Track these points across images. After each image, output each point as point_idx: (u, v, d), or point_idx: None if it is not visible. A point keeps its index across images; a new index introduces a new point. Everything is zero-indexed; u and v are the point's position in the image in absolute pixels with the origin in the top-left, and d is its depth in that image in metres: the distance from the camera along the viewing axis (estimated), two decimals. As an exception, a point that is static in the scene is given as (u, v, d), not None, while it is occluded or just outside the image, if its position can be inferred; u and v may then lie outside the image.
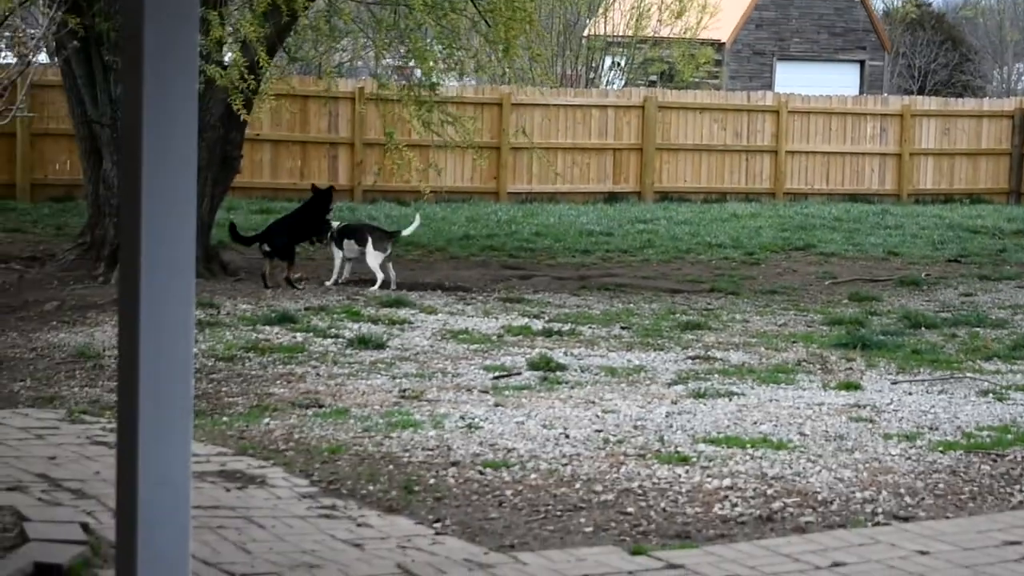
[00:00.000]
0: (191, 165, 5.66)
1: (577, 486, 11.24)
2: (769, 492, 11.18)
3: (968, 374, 16.35)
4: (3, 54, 27.88)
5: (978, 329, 19.45)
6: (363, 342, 17.16)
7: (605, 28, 49.88)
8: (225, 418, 13.40)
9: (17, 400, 13.90)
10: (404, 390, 14.46)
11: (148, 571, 5.23)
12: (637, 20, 48.60)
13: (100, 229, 21.93)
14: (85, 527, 9.45)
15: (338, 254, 21.70)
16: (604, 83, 49.40)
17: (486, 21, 22.77)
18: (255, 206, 30.69)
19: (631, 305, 21.21)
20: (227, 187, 23.44)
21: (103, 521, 9.44)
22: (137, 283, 5.42)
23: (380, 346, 17.04)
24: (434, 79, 23.15)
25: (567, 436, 12.75)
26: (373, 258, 21.34)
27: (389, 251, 21.66)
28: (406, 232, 23.08)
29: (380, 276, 21.22)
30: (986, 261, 28.22)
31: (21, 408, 13.50)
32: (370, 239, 21.40)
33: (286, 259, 21.44)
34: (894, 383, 15.86)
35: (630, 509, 10.66)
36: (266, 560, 9.31)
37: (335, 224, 22.35)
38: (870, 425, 13.55)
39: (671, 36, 49.46)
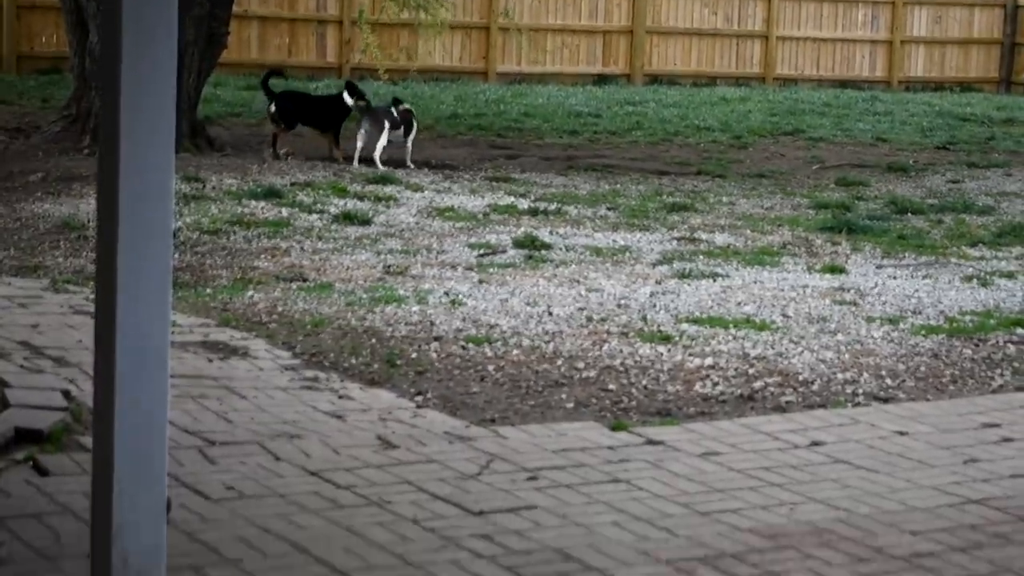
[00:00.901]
0: (171, 36, 5.73)
1: (559, 363, 11.42)
2: (750, 372, 11.37)
3: (953, 260, 16.75)
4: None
5: (964, 215, 19.95)
6: (348, 218, 17.58)
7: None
8: (208, 290, 13.55)
9: (0, 269, 14.17)
10: (388, 266, 14.77)
11: (127, 436, 5.55)
12: None
13: (86, 102, 22.25)
14: (66, 394, 9.59)
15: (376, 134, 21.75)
16: (595, -36, 49.10)
17: None
18: (242, 83, 31.10)
19: (617, 186, 21.54)
20: (214, 63, 23.76)
21: (84, 388, 9.55)
22: (116, 149, 5.52)
23: (365, 222, 17.42)
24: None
25: (550, 314, 12.95)
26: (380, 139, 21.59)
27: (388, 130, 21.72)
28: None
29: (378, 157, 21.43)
30: (974, 149, 28.70)
31: (4, 277, 13.73)
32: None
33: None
34: (879, 267, 16.08)
35: (611, 386, 10.82)
36: (247, 429, 9.44)
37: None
38: (853, 308, 13.80)
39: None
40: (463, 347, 11.79)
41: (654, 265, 15.40)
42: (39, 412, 9.30)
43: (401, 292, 13.50)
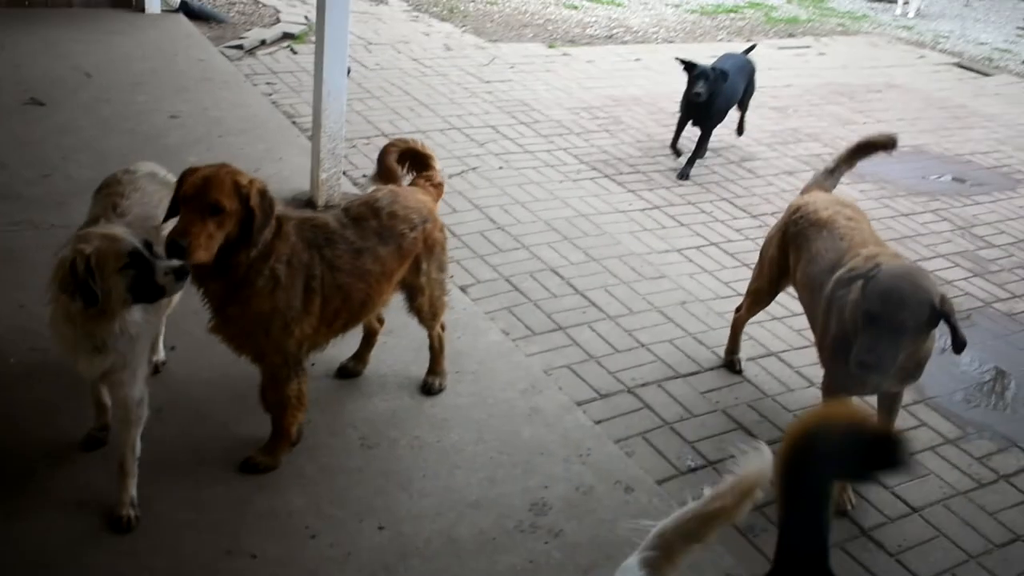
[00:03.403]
0: None
1: (528, 14, 11.88)
2: (612, 25, 11.94)
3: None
4: None
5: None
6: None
7: None
8: None
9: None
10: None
11: (330, 45, 5.50)
12: None
13: None
14: (306, 18, 9.73)
15: None
16: None
17: None
18: None
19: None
20: None
21: (312, 18, 9.40)
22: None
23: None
24: None
25: None
26: None
27: None
28: None
29: None
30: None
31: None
32: None
33: None
34: None
35: (549, 28, 11.41)
36: (385, 37, 9.77)
37: None
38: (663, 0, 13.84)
39: None
40: (485, 5, 12.09)
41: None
42: (293, 25, 9.60)
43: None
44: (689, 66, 7.10)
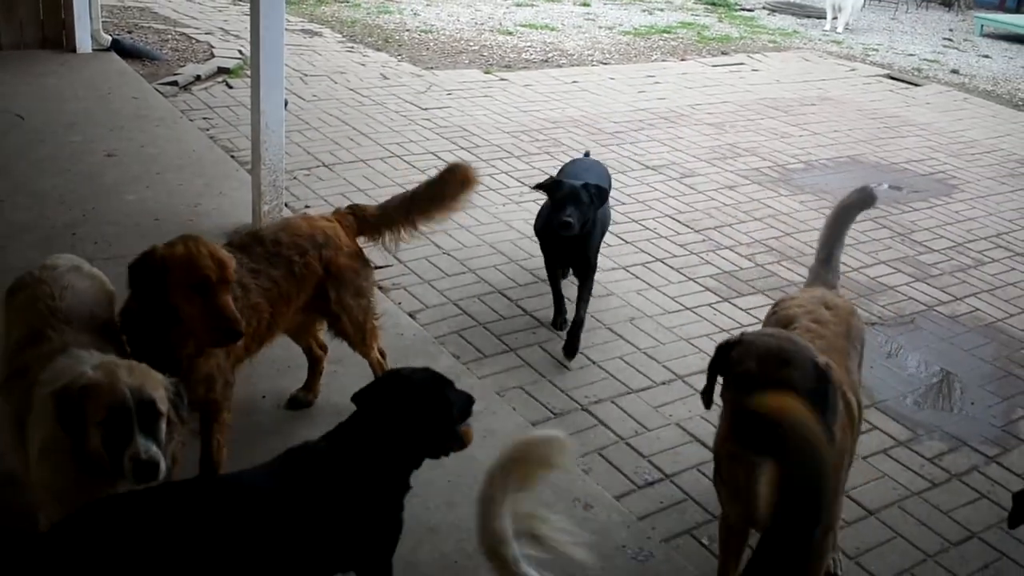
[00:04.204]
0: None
1: (463, 41, 11.92)
2: (547, 49, 12.00)
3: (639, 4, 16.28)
4: None
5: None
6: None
7: None
8: (304, 6, 12.99)
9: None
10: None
11: (265, 76, 5.51)
12: None
13: None
14: (240, 52, 9.75)
15: None
16: None
17: None
18: None
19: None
20: None
21: (246, 52, 9.33)
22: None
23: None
24: None
25: (459, 20, 13.19)
26: None
27: None
28: None
29: None
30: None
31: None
32: None
33: None
34: (605, 4, 15.82)
35: (485, 53, 11.47)
36: (320, 68, 9.90)
37: None
38: (593, 21, 14.11)
39: None
40: (420, 34, 12.11)
41: (506, 4, 14.81)
42: (228, 59, 9.54)
43: (393, 9, 13.35)
44: (551, 186, 4.96)
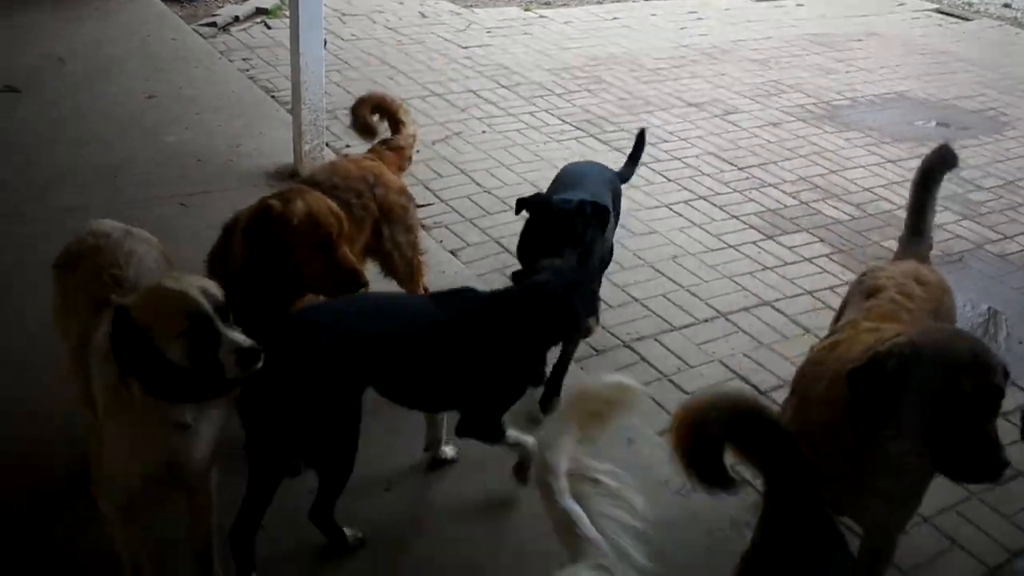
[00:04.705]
0: None
1: None
2: None
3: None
4: None
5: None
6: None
7: None
8: None
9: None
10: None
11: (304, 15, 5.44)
12: None
13: None
14: None
15: None
16: None
17: None
18: None
19: None
20: None
21: None
22: None
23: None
24: None
25: None
26: None
27: None
28: None
29: None
30: None
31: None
32: None
33: None
34: None
35: None
36: (360, 6, 9.68)
37: None
38: None
39: None
40: None
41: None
42: (266, 0, 9.20)
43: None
44: (536, 206, 3.84)
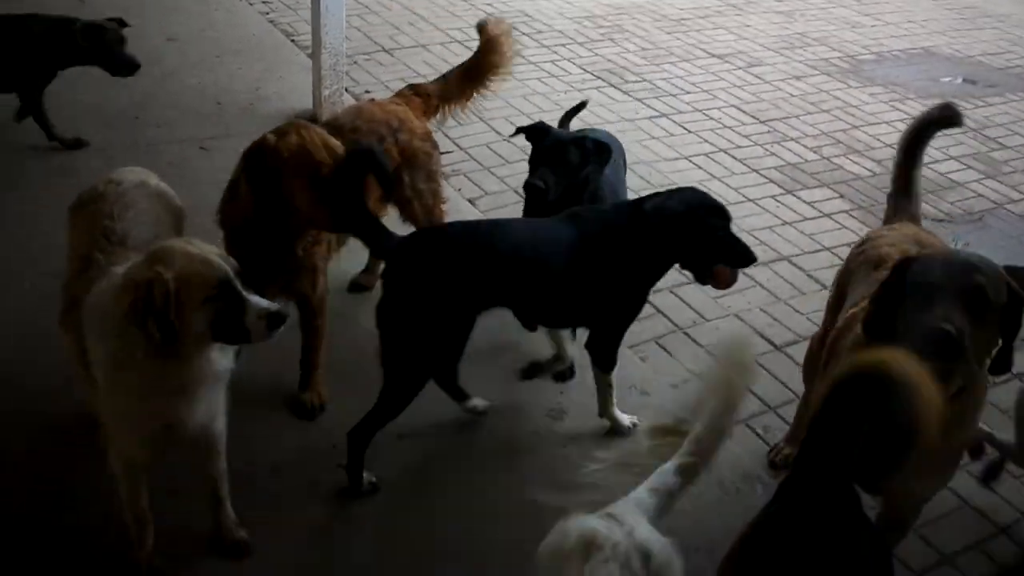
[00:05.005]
0: None
1: None
2: None
3: None
4: None
5: None
6: None
7: None
8: None
9: None
10: None
11: None
12: None
13: None
14: None
15: None
16: None
17: None
18: None
19: None
20: None
21: None
22: None
23: None
24: None
25: None
26: None
27: None
28: None
29: None
30: None
31: None
32: None
33: None
34: None
35: None
36: None
37: None
38: None
39: None
40: None
41: None
42: None
43: None
44: (537, 131, 3.70)
